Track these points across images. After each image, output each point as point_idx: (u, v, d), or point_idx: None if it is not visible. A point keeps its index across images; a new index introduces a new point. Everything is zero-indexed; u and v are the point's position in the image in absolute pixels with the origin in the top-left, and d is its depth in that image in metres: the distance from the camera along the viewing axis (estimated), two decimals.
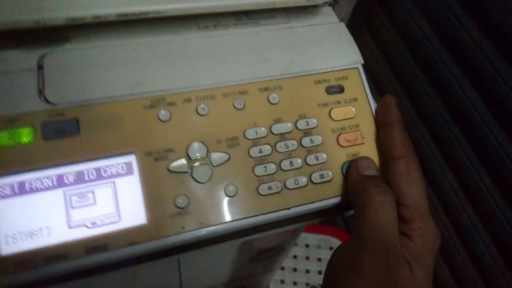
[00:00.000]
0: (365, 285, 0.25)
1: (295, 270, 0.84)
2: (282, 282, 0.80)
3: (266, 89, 0.29)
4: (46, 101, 0.26)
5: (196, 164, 0.27)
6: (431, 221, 0.28)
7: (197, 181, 0.26)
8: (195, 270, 0.45)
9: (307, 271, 0.84)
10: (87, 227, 0.24)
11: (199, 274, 0.47)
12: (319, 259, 0.85)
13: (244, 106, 0.29)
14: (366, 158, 0.29)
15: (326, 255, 0.85)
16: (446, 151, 0.53)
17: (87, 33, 0.28)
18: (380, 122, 0.30)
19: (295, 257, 0.85)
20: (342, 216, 0.31)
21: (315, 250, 0.87)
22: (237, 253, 0.44)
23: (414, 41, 0.58)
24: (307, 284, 0.81)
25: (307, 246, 0.86)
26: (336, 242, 0.87)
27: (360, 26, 0.71)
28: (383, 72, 0.64)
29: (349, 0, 0.67)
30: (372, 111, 0.31)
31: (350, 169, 0.29)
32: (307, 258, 0.86)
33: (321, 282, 0.82)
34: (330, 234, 0.87)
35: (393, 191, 0.28)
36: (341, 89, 0.31)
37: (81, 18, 0.25)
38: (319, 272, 0.83)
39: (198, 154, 0.27)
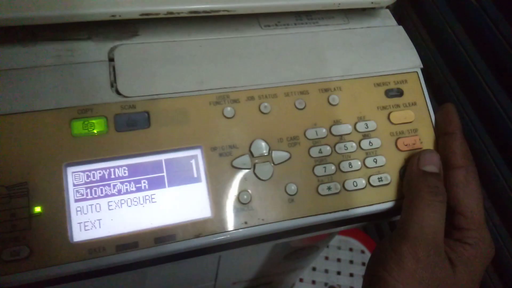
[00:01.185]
0: (405, 275, 0.26)
1: (314, 269, 0.85)
2: (301, 280, 0.81)
3: (326, 89, 0.30)
4: (118, 93, 0.26)
5: (259, 161, 0.27)
6: (486, 232, 0.28)
7: (259, 178, 0.27)
8: (233, 265, 0.46)
9: (326, 271, 0.84)
10: (155, 218, 0.25)
11: (234, 268, 0.48)
12: (339, 260, 0.85)
13: (305, 106, 0.29)
14: (430, 152, 0.29)
15: (346, 256, 0.85)
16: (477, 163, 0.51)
17: (155, 28, 0.29)
18: (440, 130, 0.30)
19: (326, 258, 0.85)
20: (391, 220, 0.31)
21: (335, 251, 0.87)
22: (274, 249, 0.44)
23: (447, 46, 0.57)
24: (325, 284, 0.82)
25: (327, 246, 0.86)
26: (355, 244, 0.86)
27: None
28: None
29: None
30: (431, 116, 0.31)
31: (411, 161, 0.29)
32: (327, 258, 0.86)
33: (339, 282, 0.82)
34: (351, 235, 0.87)
35: (450, 199, 0.28)
36: (400, 93, 0.31)
37: (155, 13, 0.26)
38: (338, 273, 0.83)
39: (260, 152, 0.27)
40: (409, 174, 0.29)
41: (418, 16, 0.64)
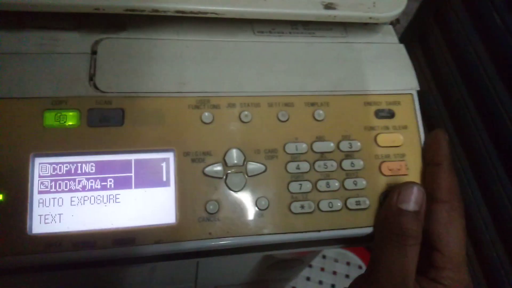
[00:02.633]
0: None
1: (308, 279, 0.83)
2: None
3: (312, 104, 0.28)
4: (95, 87, 0.26)
5: (232, 171, 0.26)
6: (464, 272, 0.27)
7: (230, 189, 0.26)
8: (212, 271, 0.45)
9: (320, 282, 0.82)
10: (116, 218, 0.24)
11: (215, 273, 0.47)
12: (334, 272, 0.84)
13: (288, 118, 0.28)
14: (413, 186, 0.27)
15: (342, 269, 0.83)
16: (492, 200, 0.49)
17: (143, 24, 0.28)
18: (428, 159, 0.29)
19: (310, 266, 0.84)
20: (367, 246, 0.30)
21: (332, 263, 0.85)
22: (255, 260, 0.43)
23: (468, 65, 0.54)
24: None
25: (324, 257, 0.85)
26: (354, 258, 0.85)
27: (412, 41, 0.68)
28: (430, 91, 0.61)
29: (406, 14, 0.64)
30: (421, 142, 0.29)
31: (391, 195, 0.27)
32: (322, 269, 0.84)
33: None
34: (349, 249, 0.85)
35: (430, 234, 0.27)
36: (391, 114, 0.29)
37: (140, 9, 0.25)
38: (332, 286, 0.82)
39: (235, 161, 0.26)
40: (385, 210, 0.27)
41: (442, 33, 0.62)
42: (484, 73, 0.51)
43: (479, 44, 0.53)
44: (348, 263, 0.85)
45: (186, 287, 0.50)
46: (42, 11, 0.25)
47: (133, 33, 0.28)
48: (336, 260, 0.85)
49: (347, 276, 0.83)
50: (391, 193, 0.27)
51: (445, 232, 0.27)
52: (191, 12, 0.26)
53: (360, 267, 0.83)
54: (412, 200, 0.26)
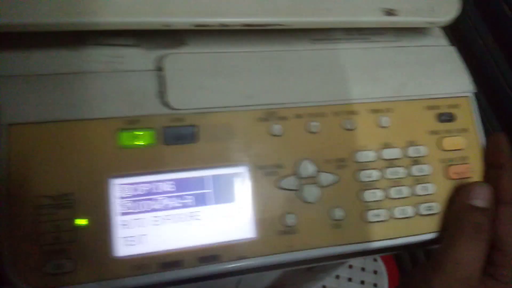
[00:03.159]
0: None
1: None
2: None
3: (376, 111, 0.29)
4: (166, 105, 0.26)
5: (305, 183, 0.26)
6: None
7: (305, 201, 0.26)
8: (255, 276, 0.45)
9: (337, 277, 0.83)
10: (199, 236, 0.24)
11: (257, 279, 0.47)
12: (350, 266, 0.83)
13: (354, 127, 0.28)
14: (482, 185, 0.28)
15: (358, 263, 0.82)
16: None
17: (203, 37, 0.28)
18: (489, 162, 0.29)
19: (337, 277, 0.82)
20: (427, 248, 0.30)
21: (359, 272, 0.84)
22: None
23: (477, 57, 0.54)
24: None
25: (350, 267, 0.84)
26: (379, 266, 0.84)
27: None
28: None
29: None
30: (481, 144, 0.30)
31: (461, 192, 0.28)
32: (350, 279, 0.83)
33: None
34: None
35: (491, 233, 0.27)
36: (452, 118, 0.30)
37: (209, 25, 0.25)
38: (349, 279, 0.81)
39: (308, 173, 0.26)
40: (457, 206, 0.28)
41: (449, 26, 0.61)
42: (495, 65, 0.52)
43: (487, 35, 0.53)
44: (375, 271, 0.85)
45: None
46: (110, 29, 0.24)
47: (194, 47, 0.28)
48: (363, 269, 0.84)
49: (362, 269, 0.83)
50: (461, 191, 0.28)
51: (506, 232, 0.27)
52: (258, 25, 0.26)
53: (375, 260, 0.83)
54: (482, 198, 0.27)
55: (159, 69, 0.26)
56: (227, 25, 0.25)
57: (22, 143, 0.23)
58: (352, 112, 0.28)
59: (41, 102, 0.24)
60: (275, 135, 0.27)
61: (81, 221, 0.23)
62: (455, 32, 0.58)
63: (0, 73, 0.24)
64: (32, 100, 0.24)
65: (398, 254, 0.81)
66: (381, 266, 0.83)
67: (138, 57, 0.27)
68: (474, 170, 0.29)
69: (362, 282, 0.81)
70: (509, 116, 0.48)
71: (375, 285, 0.81)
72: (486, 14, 0.52)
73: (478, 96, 0.35)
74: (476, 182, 0.28)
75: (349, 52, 0.30)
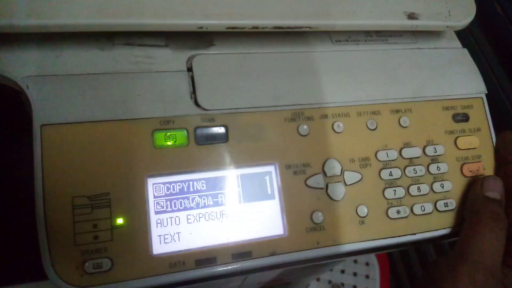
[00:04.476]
0: None
1: (329, 282, 0.83)
2: None
3: (397, 111, 0.30)
4: (197, 105, 0.26)
5: (331, 181, 0.27)
6: None
7: (332, 198, 0.27)
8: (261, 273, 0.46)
9: (331, 269, 0.84)
10: (231, 233, 0.25)
11: (263, 274, 0.48)
12: (355, 274, 0.85)
13: (376, 126, 0.29)
14: (494, 178, 0.29)
15: (362, 270, 0.84)
16: None
17: (231, 39, 0.29)
18: (500, 159, 0.31)
19: (330, 269, 0.84)
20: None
21: (351, 264, 0.86)
22: None
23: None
24: (329, 282, 0.83)
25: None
26: (371, 258, 0.85)
27: None
28: None
29: None
30: (493, 143, 0.31)
31: (475, 185, 0.29)
32: (343, 271, 0.85)
33: (343, 281, 0.83)
34: None
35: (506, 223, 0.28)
36: (466, 118, 0.31)
37: (241, 27, 0.26)
38: (342, 271, 0.83)
39: (333, 172, 0.27)
40: (472, 198, 0.29)
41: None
42: (486, 64, 0.53)
43: (479, 33, 0.54)
44: (367, 264, 0.87)
45: (233, 286, 0.51)
46: (147, 31, 0.25)
47: (222, 48, 0.28)
48: (355, 261, 0.85)
49: (355, 261, 0.85)
50: (474, 184, 0.29)
51: None
52: (288, 27, 0.26)
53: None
54: (496, 190, 0.29)
55: (189, 69, 0.27)
56: (258, 27, 0.26)
57: (56, 144, 0.23)
58: (374, 113, 0.29)
59: (74, 102, 0.24)
60: (302, 135, 0.27)
61: (118, 220, 0.23)
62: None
63: (32, 73, 0.24)
64: (64, 100, 0.24)
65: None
66: (373, 258, 0.85)
67: (168, 58, 0.27)
68: (486, 167, 0.30)
69: (355, 274, 0.83)
70: (501, 116, 0.49)
71: (367, 276, 0.83)
72: (479, 13, 0.53)
73: None
74: (488, 176, 0.30)
75: (369, 53, 0.31)
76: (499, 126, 0.39)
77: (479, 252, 0.27)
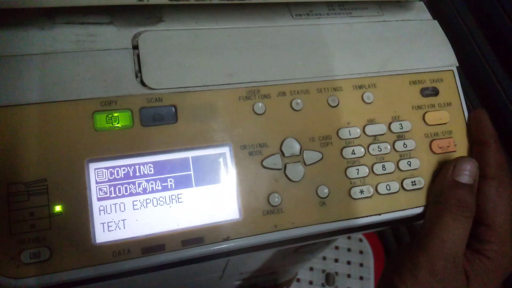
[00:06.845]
0: (419, 286, 0.26)
1: (323, 271, 0.83)
2: None
3: (360, 86, 0.28)
4: (143, 84, 0.24)
5: (290, 161, 0.26)
6: (509, 246, 0.28)
7: (290, 180, 0.25)
8: (242, 259, 0.45)
9: (324, 258, 0.84)
10: (181, 219, 0.24)
11: (244, 262, 0.47)
12: (337, 247, 0.85)
13: (338, 103, 0.27)
14: (468, 160, 0.27)
15: (344, 244, 0.84)
16: None
17: (180, 14, 0.27)
18: (474, 138, 0.29)
19: (324, 258, 0.84)
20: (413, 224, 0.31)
21: (345, 253, 0.85)
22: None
23: (462, 45, 0.54)
24: (323, 271, 0.82)
25: (336, 248, 0.85)
26: (365, 246, 0.85)
27: None
28: None
29: None
30: (465, 118, 0.30)
31: (446, 168, 0.28)
32: (336, 260, 0.84)
33: (336, 270, 0.82)
34: (365, 235, 0.85)
35: (477, 209, 0.27)
36: (435, 92, 0.29)
37: None
38: (336, 260, 0.83)
39: (292, 151, 0.26)
40: (441, 182, 0.27)
41: (433, 11, 0.61)
42: (480, 53, 0.51)
43: (467, 13, 0.53)
44: (349, 237, 0.86)
45: (214, 276, 0.50)
46: (84, 5, 0.23)
47: (172, 24, 0.27)
48: (349, 250, 0.85)
49: (348, 249, 0.85)
50: (446, 166, 0.28)
51: (492, 207, 0.27)
52: None
53: (360, 240, 0.83)
54: (467, 174, 0.27)
55: (135, 47, 0.25)
56: None
57: None
58: (336, 89, 0.28)
59: (8, 85, 0.23)
60: (258, 114, 0.26)
61: (56, 208, 0.22)
62: (435, 10, 0.57)
63: None
64: (1, 82, 0.23)
65: (383, 234, 0.83)
66: (366, 246, 0.84)
67: (112, 35, 0.25)
68: (458, 143, 0.29)
69: (349, 263, 0.82)
70: (487, 92, 0.48)
71: (361, 265, 0.82)
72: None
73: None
74: (460, 158, 0.28)
75: (331, 27, 0.29)
76: (482, 97, 0.38)
77: (440, 241, 0.26)
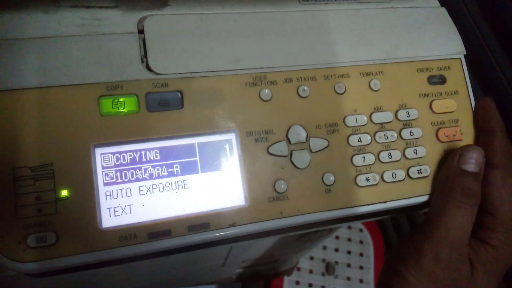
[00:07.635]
0: (423, 273, 0.26)
1: (323, 261, 0.83)
2: None
3: (367, 73, 0.28)
4: (149, 69, 0.24)
5: (296, 148, 0.26)
6: None
7: (296, 167, 0.25)
8: (245, 247, 0.45)
9: (324, 248, 0.84)
10: (188, 204, 0.24)
11: (246, 250, 0.47)
12: (337, 237, 0.85)
13: (345, 90, 0.27)
14: (474, 149, 0.27)
15: (344, 233, 0.84)
16: None
17: None
18: (480, 127, 0.29)
19: (324, 248, 0.84)
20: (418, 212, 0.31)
21: (345, 243, 0.85)
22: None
23: (466, 34, 0.53)
24: (323, 260, 0.82)
25: (337, 238, 0.85)
26: (366, 235, 0.85)
27: None
28: None
29: None
30: (472, 107, 0.29)
31: (452, 156, 0.27)
32: (337, 249, 0.84)
33: (337, 259, 0.82)
34: (364, 224, 0.85)
35: (482, 197, 0.27)
36: (443, 80, 0.29)
37: None
38: (336, 250, 0.83)
39: (298, 138, 0.26)
40: (446, 170, 0.27)
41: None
42: (484, 42, 0.51)
43: (476, 10, 0.52)
44: (349, 227, 0.87)
45: (217, 263, 0.50)
46: None
47: (177, 8, 0.26)
48: (349, 240, 0.85)
49: (349, 239, 0.85)
50: (452, 155, 0.28)
51: (498, 196, 0.27)
52: None
53: (361, 230, 0.83)
54: (473, 162, 0.27)
55: (140, 31, 0.25)
56: None
57: None
58: (343, 76, 0.27)
59: (13, 69, 0.23)
60: (264, 100, 0.26)
61: (63, 192, 0.22)
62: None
63: None
64: (4, 66, 0.22)
65: (383, 224, 0.83)
66: (367, 236, 0.84)
67: (117, 19, 0.25)
68: (464, 132, 0.29)
69: (349, 252, 0.82)
70: (491, 82, 0.47)
71: (361, 254, 0.83)
72: None
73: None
74: (466, 146, 0.28)
75: (339, 13, 0.29)
76: (486, 87, 0.37)
77: (444, 229, 0.26)
